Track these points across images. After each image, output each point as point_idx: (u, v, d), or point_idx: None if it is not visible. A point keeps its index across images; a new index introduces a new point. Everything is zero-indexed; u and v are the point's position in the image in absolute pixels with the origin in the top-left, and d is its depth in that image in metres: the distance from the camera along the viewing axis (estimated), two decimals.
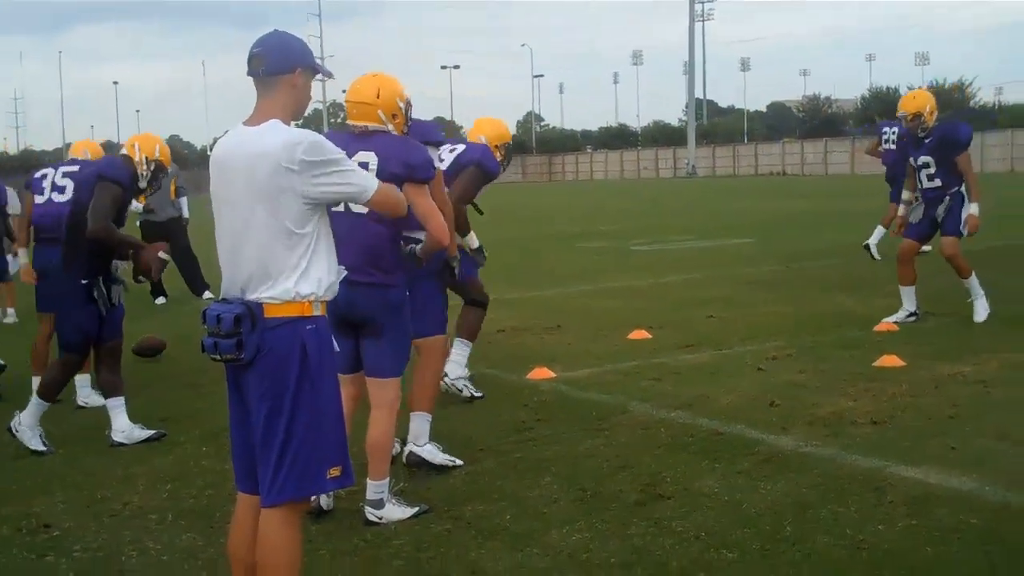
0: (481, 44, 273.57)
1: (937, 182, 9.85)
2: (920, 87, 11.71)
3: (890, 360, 8.16)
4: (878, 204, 15.79)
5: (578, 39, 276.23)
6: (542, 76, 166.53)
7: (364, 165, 5.07)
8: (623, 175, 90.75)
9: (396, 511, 5.28)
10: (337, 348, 3.89)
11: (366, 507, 5.25)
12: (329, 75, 4.14)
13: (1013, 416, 6.58)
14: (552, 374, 8.31)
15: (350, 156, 4.72)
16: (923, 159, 9.89)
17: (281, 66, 3.75)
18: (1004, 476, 5.44)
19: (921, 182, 9.97)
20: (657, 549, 4.70)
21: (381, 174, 4.83)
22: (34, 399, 6.92)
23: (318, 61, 3.95)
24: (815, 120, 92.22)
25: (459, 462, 6.12)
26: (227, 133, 3.82)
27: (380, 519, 5.22)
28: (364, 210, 5.00)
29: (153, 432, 6.99)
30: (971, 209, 9.77)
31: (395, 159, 5.15)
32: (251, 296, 3.62)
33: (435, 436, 6.29)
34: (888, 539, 4.68)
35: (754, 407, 7.08)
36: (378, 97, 5.35)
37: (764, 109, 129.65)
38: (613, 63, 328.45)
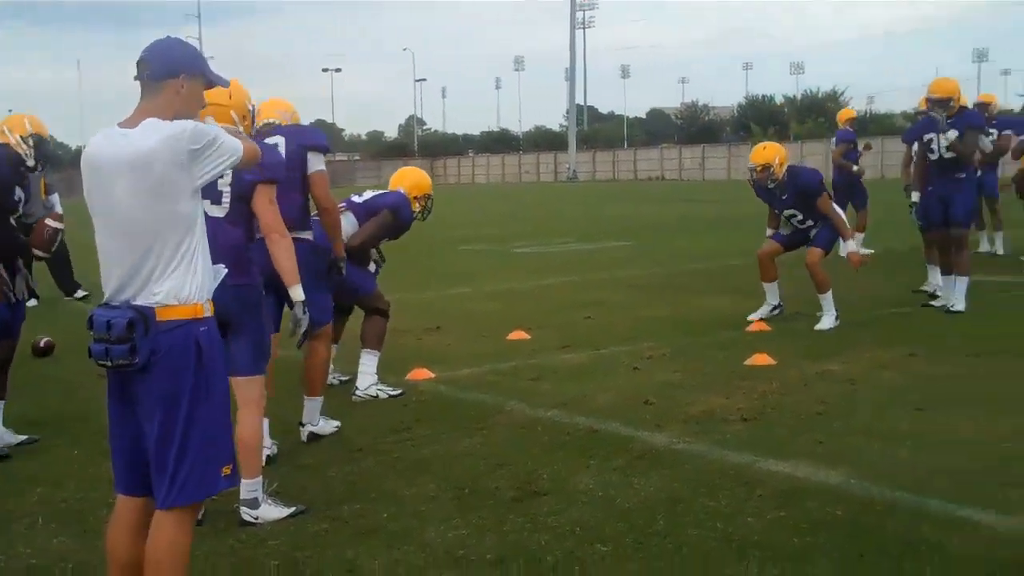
0: (363, 47, 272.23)
1: (810, 223, 10.19)
2: (769, 143, 11.97)
3: (761, 359, 8.36)
4: (752, 209, 16.10)
5: (460, 44, 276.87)
6: (424, 80, 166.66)
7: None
8: (505, 179, 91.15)
9: (272, 511, 5.27)
10: None
11: (241, 507, 5.22)
12: (224, 83, 4.08)
13: (879, 413, 6.79)
14: (431, 375, 8.32)
15: None
16: (788, 211, 10.23)
17: (165, 71, 3.71)
18: (870, 470, 5.62)
19: (794, 226, 10.30)
20: (532, 544, 4.75)
21: (236, 175, 5.17)
22: None
23: (212, 69, 3.90)
24: (693, 127, 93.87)
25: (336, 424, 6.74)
26: (99, 134, 3.74)
27: (256, 519, 5.20)
28: (221, 213, 5.22)
29: (25, 437, 6.82)
30: (849, 247, 10.11)
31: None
32: (140, 300, 3.57)
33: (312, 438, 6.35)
34: (757, 531, 4.80)
35: (629, 405, 7.19)
36: (230, 99, 5.53)
37: (644, 115, 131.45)
38: (495, 68, 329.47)
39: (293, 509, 5.31)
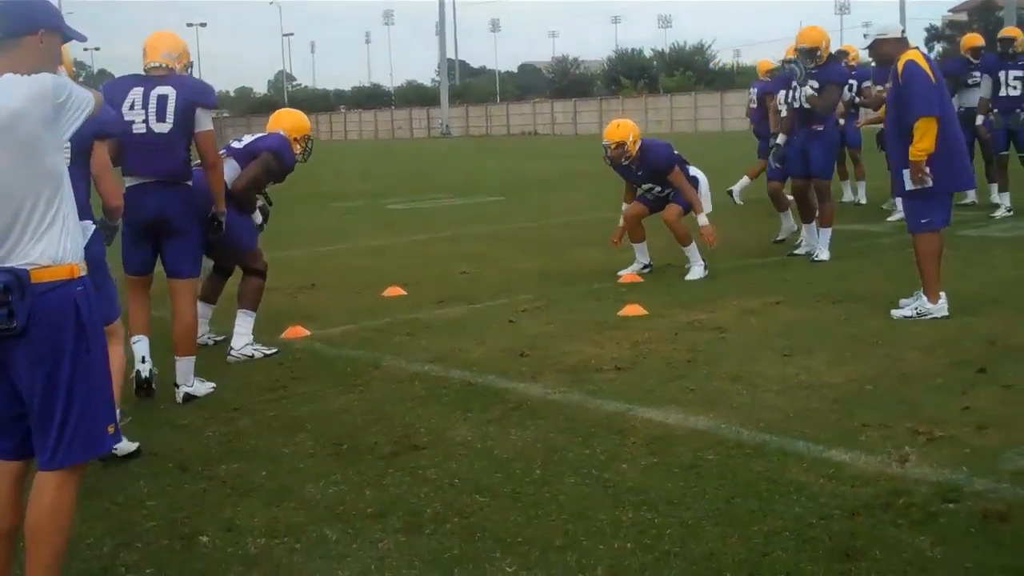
0: (228, 1, 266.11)
1: (668, 191, 10.38)
2: (623, 120, 11.88)
3: (633, 309, 8.52)
4: None
5: None
6: (292, 35, 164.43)
7: (165, 97, 6.38)
8: (377, 135, 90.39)
9: (202, 387, 6.65)
10: None
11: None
12: (83, 38, 4.00)
13: (746, 359, 6.99)
14: (306, 332, 8.29)
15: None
16: (645, 185, 10.38)
17: (24, 26, 3.62)
18: (738, 415, 5.79)
19: (654, 195, 10.51)
20: (412, 497, 4.80)
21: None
22: None
23: (68, 24, 3.82)
24: (564, 81, 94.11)
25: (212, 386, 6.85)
26: None
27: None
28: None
29: None
30: (701, 221, 10.23)
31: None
32: (13, 263, 3.48)
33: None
34: (631, 477, 4.92)
35: (505, 358, 7.27)
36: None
37: (515, 70, 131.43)
38: (364, 22, 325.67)
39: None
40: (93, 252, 5.44)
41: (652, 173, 10.25)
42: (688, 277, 10.11)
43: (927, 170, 7.75)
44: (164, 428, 6.05)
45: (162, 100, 6.42)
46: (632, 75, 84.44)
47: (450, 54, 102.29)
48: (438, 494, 4.82)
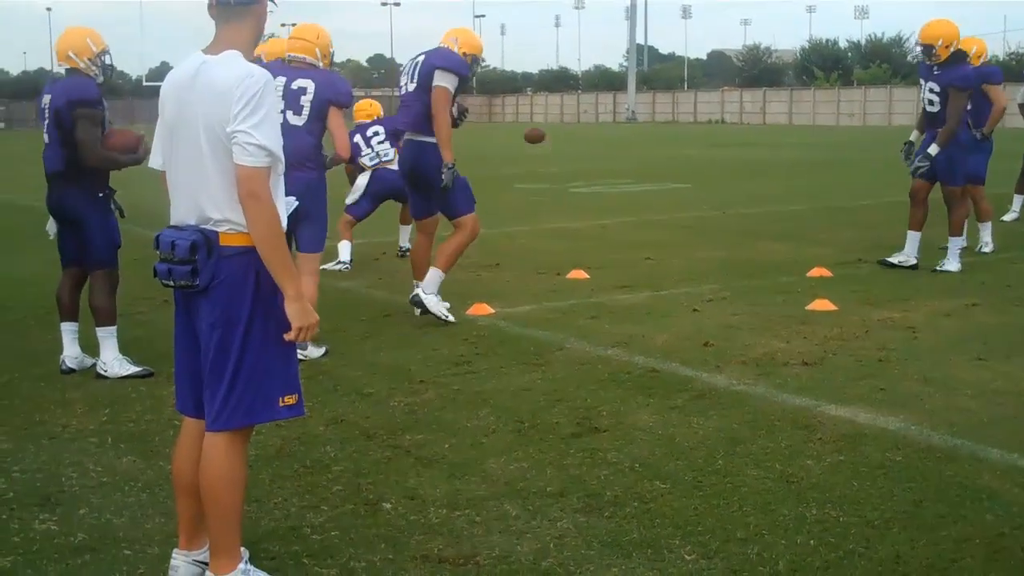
0: None
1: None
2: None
3: (822, 304, 8.34)
4: (813, 155, 15.93)
5: None
6: (483, 16, 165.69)
7: (303, 89, 7.08)
8: (563, 119, 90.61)
9: (315, 351, 7.03)
10: None
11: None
12: (274, 4, 4.10)
13: (939, 361, 6.77)
14: (491, 310, 8.38)
15: (290, 83, 7.12)
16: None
17: None
18: (928, 417, 5.62)
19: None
20: (592, 479, 4.81)
21: (316, 99, 7.05)
22: None
23: None
24: (754, 69, 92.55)
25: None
26: (184, 62, 3.76)
27: (305, 356, 6.75)
28: (301, 122, 7.04)
29: (140, 369, 6.74)
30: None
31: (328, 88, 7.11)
32: (206, 225, 3.61)
33: (372, 365, 6.48)
34: (816, 473, 4.83)
35: (688, 346, 7.21)
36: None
37: (704, 57, 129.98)
38: (555, 6, 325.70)
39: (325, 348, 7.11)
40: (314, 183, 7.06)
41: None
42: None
43: None
44: (352, 395, 6.20)
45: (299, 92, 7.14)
46: (825, 66, 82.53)
47: (639, 39, 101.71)
48: (618, 477, 4.82)
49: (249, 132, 3.47)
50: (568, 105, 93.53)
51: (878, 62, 78.90)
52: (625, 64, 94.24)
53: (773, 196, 17.81)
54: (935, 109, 9.92)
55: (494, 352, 7.15)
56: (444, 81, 7.81)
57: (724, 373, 6.53)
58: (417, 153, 7.93)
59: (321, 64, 7.32)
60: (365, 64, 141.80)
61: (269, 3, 3.83)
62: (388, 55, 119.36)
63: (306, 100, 7.08)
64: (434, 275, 7.95)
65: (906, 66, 77.03)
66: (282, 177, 3.66)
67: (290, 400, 3.72)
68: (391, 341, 7.46)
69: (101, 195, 6.72)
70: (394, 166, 10.43)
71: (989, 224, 11.26)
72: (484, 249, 11.63)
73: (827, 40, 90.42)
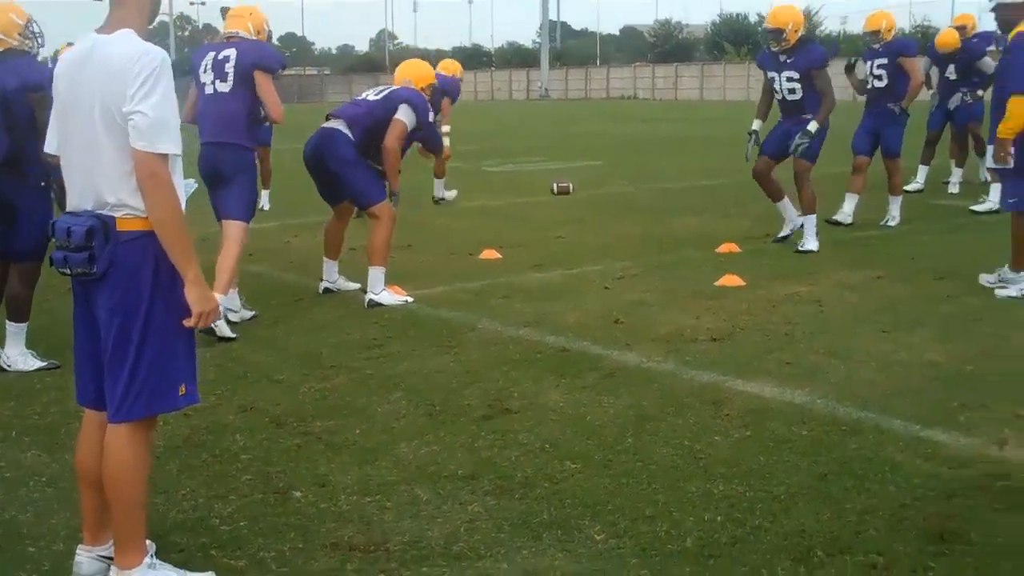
0: None
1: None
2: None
3: (731, 280, 8.44)
4: (723, 130, 16.09)
5: None
6: None
7: (227, 58, 7.30)
8: (477, 96, 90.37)
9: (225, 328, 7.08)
10: None
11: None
12: None
13: (844, 334, 6.89)
14: (403, 292, 8.34)
15: (217, 55, 7.37)
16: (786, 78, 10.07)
17: None
18: (833, 390, 5.72)
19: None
20: (503, 461, 4.83)
21: (239, 64, 7.25)
22: None
23: None
24: (666, 45, 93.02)
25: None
26: (76, 45, 3.67)
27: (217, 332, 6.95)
28: (227, 89, 7.29)
29: (45, 363, 6.57)
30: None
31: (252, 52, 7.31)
32: (103, 210, 3.54)
33: (282, 351, 6.43)
34: (724, 449, 4.90)
35: (600, 325, 7.26)
36: (250, 15, 7.57)
37: (617, 33, 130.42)
38: None
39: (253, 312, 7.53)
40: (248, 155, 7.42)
41: (803, 66, 9.84)
42: (806, 248, 9.92)
43: (1011, 150, 7.54)
44: (262, 382, 6.15)
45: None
46: (736, 41, 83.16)
47: (552, 15, 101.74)
48: (529, 458, 4.84)
49: (146, 113, 3.41)
50: (482, 82, 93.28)
51: None
52: (538, 41, 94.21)
53: (684, 172, 17.96)
54: (797, 96, 9.91)
55: (406, 335, 7.13)
56: (403, 116, 8.00)
57: (634, 351, 6.59)
58: (321, 142, 8.00)
59: (255, 38, 7.54)
60: (276, 43, 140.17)
61: None
62: (299, 33, 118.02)
63: (230, 67, 7.28)
64: (375, 274, 7.93)
65: (816, 39, 77.85)
66: (180, 158, 3.60)
67: (183, 390, 3.67)
68: (302, 326, 7.41)
69: (43, 184, 6.40)
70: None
71: (900, 198, 11.43)
72: (397, 230, 11.55)
73: (737, 14, 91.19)
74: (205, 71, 7.39)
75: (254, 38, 7.53)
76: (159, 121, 3.43)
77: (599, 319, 7.42)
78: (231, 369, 6.41)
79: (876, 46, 11.15)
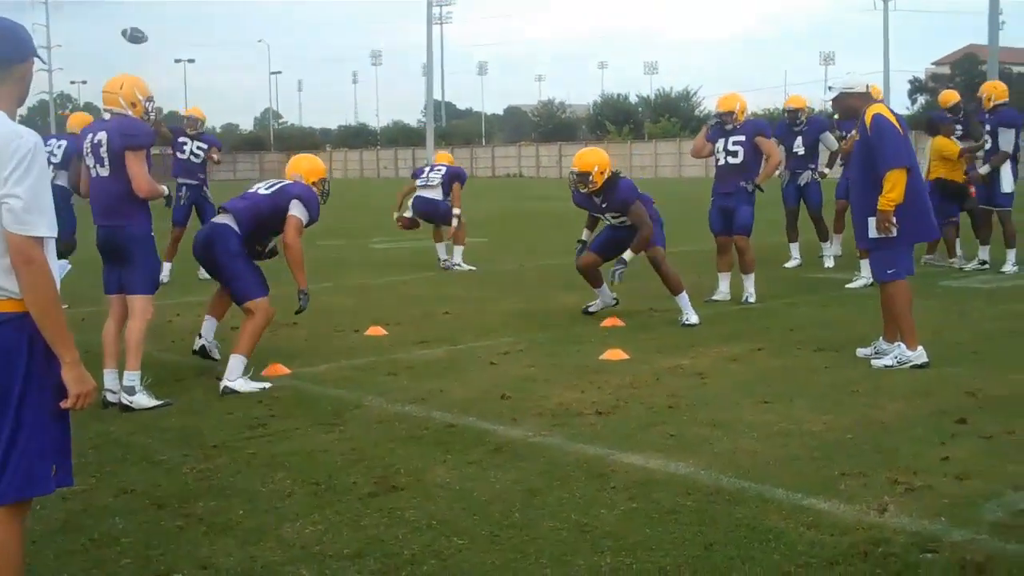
0: (217, 38, 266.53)
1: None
2: (591, 148, 11.72)
3: (615, 354, 8.52)
4: None
5: (316, 37, 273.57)
6: (280, 72, 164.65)
7: (100, 142, 7.30)
8: (363, 174, 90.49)
9: (144, 399, 7.19)
10: None
11: (122, 394, 7.19)
12: (43, 61, 3.99)
13: (726, 405, 6.99)
14: (287, 370, 8.27)
15: (93, 138, 7.36)
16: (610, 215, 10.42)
17: (14, 55, 3.61)
18: (717, 460, 5.79)
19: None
20: (390, 539, 4.77)
21: (111, 147, 7.25)
22: None
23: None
24: (550, 124, 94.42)
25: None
26: None
27: (130, 403, 7.13)
28: (106, 172, 7.30)
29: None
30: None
31: (119, 133, 7.27)
32: None
33: (163, 431, 6.30)
34: (610, 522, 4.91)
35: (486, 400, 7.26)
36: (121, 88, 7.45)
37: (501, 112, 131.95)
38: (352, 63, 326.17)
39: (162, 402, 7.26)
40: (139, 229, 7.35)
41: (617, 207, 10.17)
42: (689, 322, 10.09)
43: (894, 220, 7.85)
44: (142, 464, 6.01)
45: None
46: (618, 120, 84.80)
47: (437, 95, 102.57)
48: (416, 535, 4.80)
49: (20, 196, 3.37)
50: (368, 161, 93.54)
51: (667, 116, 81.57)
52: (423, 120, 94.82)
53: (568, 248, 18.11)
54: (627, 224, 10.21)
55: (290, 413, 7.05)
56: (297, 212, 8.19)
57: (521, 425, 6.60)
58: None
59: (130, 112, 7.45)
60: (158, 107, 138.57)
61: (36, 60, 3.72)
62: (183, 111, 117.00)
63: (103, 151, 7.32)
64: (236, 362, 7.76)
65: (694, 120, 79.74)
66: (54, 240, 3.55)
67: (59, 469, 3.59)
68: (184, 406, 7.28)
69: None
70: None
71: (752, 275, 11.58)
72: (281, 308, 11.45)
73: (618, 95, 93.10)
74: (88, 155, 7.46)
75: (127, 113, 7.46)
76: (33, 204, 3.39)
77: (485, 394, 7.42)
78: (110, 451, 6.26)
79: (729, 126, 11.44)
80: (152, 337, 9.79)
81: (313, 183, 8.51)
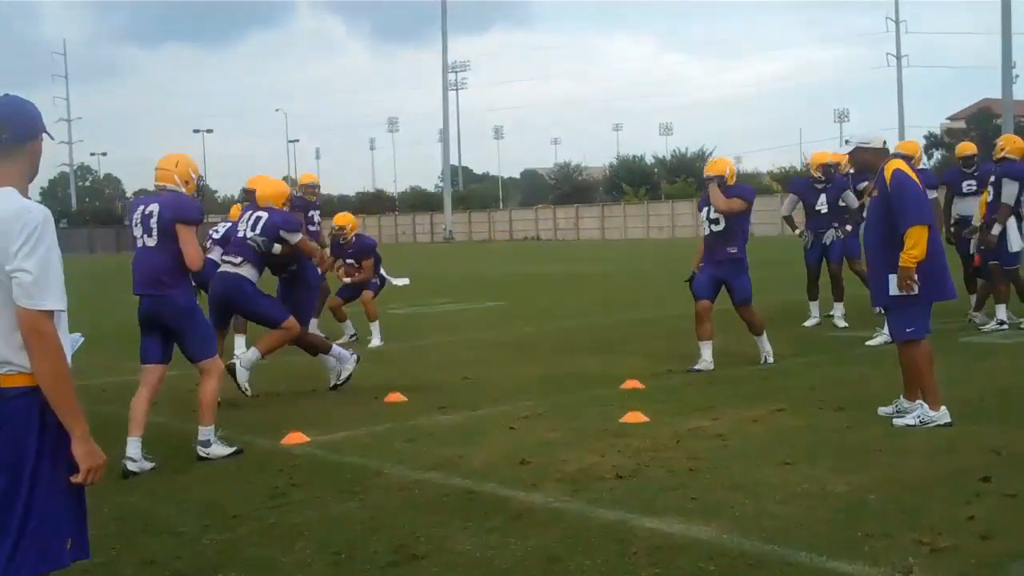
0: (235, 107, 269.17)
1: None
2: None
3: (635, 416, 8.49)
4: (625, 268, 16.34)
5: (333, 105, 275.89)
6: (297, 141, 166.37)
7: (151, 213, 7.70)
8: (381, 239, 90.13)
9: (220, 449, 7.76)
10: None
11: (198, 447, 7.73)
12: (51, 137, 4.04)
13: (748, 467, 6.94)
14: (306, 438, 8.26)
15: (144, 210, 7.76)
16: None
17: (27, 133, 3.67)
18: (740, 524, 5.74)
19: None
20: None
21: (161, 219, 7.64)
22: None
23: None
24: (566, 187, 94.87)
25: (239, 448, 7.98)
26: None
27: (208, 455, 7.69)
28: (152, 242, 7.68)
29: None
30: None
31: (172, 207, 7.72)
32: None
33: (185, 501, 6.27)
34: None
35: (506, 465, 7.23)
36: (176, 166, 7.96)
37: (518, 176, 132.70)
38: (369, 129, 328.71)
39: (235, 448, 7.85)
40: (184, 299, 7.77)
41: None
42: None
43: (915, 277, 7.79)
44: (162, 535, 6.00)
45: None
46: (634, 181, 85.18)
47: (453, 160, 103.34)
48: None
49: (29, 271, 3.41)
50: (386, 226, 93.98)
51: (684, 176, 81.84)
52: (441, 185, 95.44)
53: (587, 310, 18.17)
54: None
55: (310, 482, 7.03)
56: (292, 237, 9.81)
57: (541, 491, 6.56)
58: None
59: (183, 189, 7.94)
60: (206, 183, 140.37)
61: (45, 136, 3.77)
62: (203, 181, 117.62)
63: (153, 222, 7.72)
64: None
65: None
66: (65, 314, 3.58)
67: (74, 542, 3.59)
68: (204, 476, 7.28)
69: None
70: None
71: (764, 335, 11.41)
72: (299, 375, 11.51)
73: (634, 156, 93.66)
74: (136, 225, 7.84)
75: (180, 189, 7.90)
76: (42, 278, 3.43)
77: (505, 460, 7.39)
78: (131, 522, 6.26)
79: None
80: (172, 407, 9.84)
81: (282, 205, 10.06)
